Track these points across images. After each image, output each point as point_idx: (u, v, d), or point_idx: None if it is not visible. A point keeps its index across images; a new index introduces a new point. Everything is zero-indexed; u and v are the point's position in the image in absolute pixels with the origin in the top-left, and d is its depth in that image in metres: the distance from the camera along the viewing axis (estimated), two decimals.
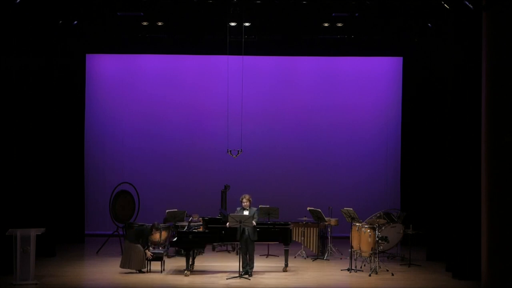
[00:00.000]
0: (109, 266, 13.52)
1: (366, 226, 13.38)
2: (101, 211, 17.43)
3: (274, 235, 13.08)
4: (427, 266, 13.79)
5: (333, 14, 15.10)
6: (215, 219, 13.44)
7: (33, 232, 11.61)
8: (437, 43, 14.37)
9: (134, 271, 12.71)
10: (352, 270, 12.99)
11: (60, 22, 14.89)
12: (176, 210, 14.83)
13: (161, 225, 14.19)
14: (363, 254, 13.31)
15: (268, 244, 14.68)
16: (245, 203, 12.57)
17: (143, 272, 12.70)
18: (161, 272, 12.80)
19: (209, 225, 13.19)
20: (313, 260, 14.42)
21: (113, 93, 18.07)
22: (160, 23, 15.89)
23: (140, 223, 14.83)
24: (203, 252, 14.64)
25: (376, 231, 12.93)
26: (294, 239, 14.48)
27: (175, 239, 12.84)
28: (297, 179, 17.89)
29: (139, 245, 12.69)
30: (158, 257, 12.88)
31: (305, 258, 14.61)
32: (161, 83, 18.14)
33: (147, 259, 12.76)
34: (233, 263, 13.37)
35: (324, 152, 18.02)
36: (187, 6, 14.44)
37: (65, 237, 16.01)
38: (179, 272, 12.88)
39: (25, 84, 13.51)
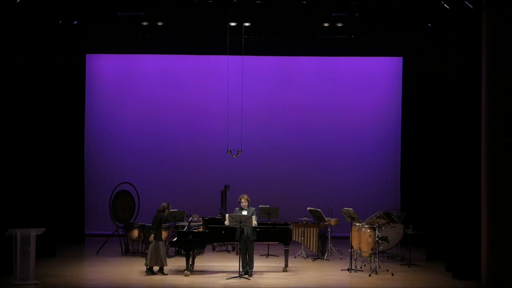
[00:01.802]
0: (109, 266, 13.53)
1: (366, 226, 13.38)
2: (101, 211, 17.44)
3: (274, 235, 13.08)
4: (427, 266, 13.79)
5: (333, 14, 15.10)
6: (215, 219, 13.46)
7: (33, 232, 11.61)
8: (437, 43, 14.36)
9: (156, 272, 12.67)
10: (352, 270, 12.99)
11: (60, 22, 14.89)
12: (176, 210, 14.83)
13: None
14: (363, 254, 13.30)
15: (268, 244, 14.68)
16: (244, 203, 12.57)
17: (159, 273, 12.63)
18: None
19: (209, 225, 13.20)
20: (313, 260, 14.43)
21: (113, 93, 18.08)
22: (160, 23, 15.89)
23: (141, 223, 14.87)
24: (203, 252, 14.67)
25: (376, 231, 12.93)
26: (294, 239, 14.49)
27: (175, 239, 12.83)
28: (297, 179, 17.89)
29: (159, 242, 12.64)
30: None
31: (305, 258, 14.61)
32: (161, 83, 18.14)
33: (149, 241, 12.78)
34: (233, 263, 13.37)
35: (324, 152, 18.02)
36: (187, 6, 14.44)
37: (65, 237, 16.01)
38: (179, 272, 12.87)
39: (25, 84, 13.50)
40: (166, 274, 12.57)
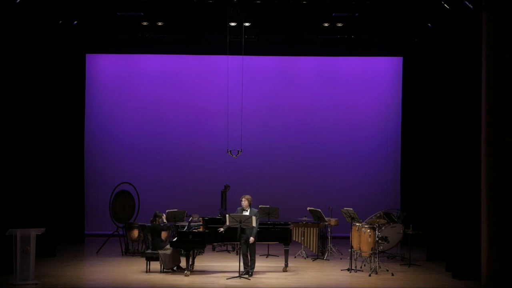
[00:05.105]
0: (109, 266, 13.53)
1: (366, 226, 13.38)
2: (101, 211, 17.44)
3: (274, 235, 13.09)
4: (427, 266, 13.79)
5: (333, 14, 15.10)
6: (215, 219, 13.46)
7: (33, 232, 11.61)
8: (437, 43, 14.37)
9: (175, 268, 12.86)
10: (352, 270, 12.99)
11: (60, 22, 14.89)
12: (176, 210, 14.82)
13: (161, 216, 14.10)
14: (363, 254, 13.30)
15: (268, 244, 14.67)
16: (243, 203, 12.54)
17: (181, 268, 12.78)
18: (161, 272, 12.79)
19: (209, 225, 13.21)
20: (313, 260, 14.43)
21: (113, 93, 18.08)
22: (160, 23, 15.89)
23: (141, 223, 14.88)
24: (203, 252, 14.66)
25: (376, 231, 12.93)
26: (294, 239, 14.48)
27: (175, 239, 12.83)
28: (297, 179, 17.88)
29: (167, 246, 12.76)
30: (158, 257, 12.87)
31: (305, 258, 14.61)
32: (161, 83, 18.14)
33: (165, 240, 13.02)
34: (233, 263, 13.37)
35: (324, 152, 18.02)
36: (187, 6, 14.44)
37: (65, 237, 16.01)
38: (179, 272, 12.87)
39: (25, 84, 13.50)
40: (184, 268, 12.63)
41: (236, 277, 12.23)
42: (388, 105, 17.99)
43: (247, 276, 12.36)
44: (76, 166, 16.99)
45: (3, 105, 12.76)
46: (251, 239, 12.34)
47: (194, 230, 12.94)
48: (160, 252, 12.74)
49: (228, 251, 15.54)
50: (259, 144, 17.85)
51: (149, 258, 12.89)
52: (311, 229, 14.72)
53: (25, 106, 13.53)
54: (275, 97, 18.11)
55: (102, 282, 12.18)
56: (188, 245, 12.61)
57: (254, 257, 12.60)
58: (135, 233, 14.79)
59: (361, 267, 13.28)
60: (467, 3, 12.10)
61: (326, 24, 15.80)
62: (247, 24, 15.26)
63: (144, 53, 17.80)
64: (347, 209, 13.30)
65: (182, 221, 14.66)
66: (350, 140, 18.02)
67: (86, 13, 14.88)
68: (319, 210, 14.45)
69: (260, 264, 13.54)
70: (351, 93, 18.05)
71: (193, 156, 18.01)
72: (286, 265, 13.15)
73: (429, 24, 14.71)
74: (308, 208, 14.77)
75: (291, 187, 17.79)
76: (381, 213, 14.41)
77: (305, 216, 14.94)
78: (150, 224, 13.32)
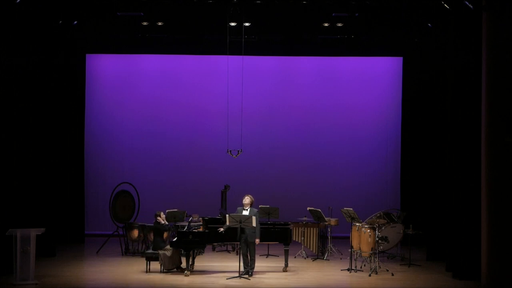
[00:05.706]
0: (109, 266, 13.53)
1: (366, 226, 13.38)
2: (101, 211, 17.44)
3: (274, 235, 13.09)
4: (427, 266, 13.80)
5: (333, 14, 15.11)
6: (215, 219, 13.46)
7: (33, 232, 11.61)
8: (437, 43, 14.37)
9: (175, 270, 12.83)
10: (352, 270, 12.99)
11: (60, 22, 14.89)
12: (176, 210, 14.83)
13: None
14: (363, 254, 13.30)
15: (268, 244, 14.67)
16: (245, 200, 12.53)
17: (181, 269, 12.73)
18: (161, 272, 12.79)
19: (209, 225, 13.21)
20: (313, 260, 14.43)
21: (113, 93, 18.08)
22: (160, 23, 15.89)
23: (141, 223, 14.89)
24: (203, 252, 14.67)
25: (376, 231, 12.93)
26: (294, 239, 14.49)
27: (175, 239, 12.83)
28: (297, 179, 17.89)
29: (167, 247, 12.76)
30: (158, 257, 12.87)
31: (305, 258, 14.61)
32: (161, 83, 18.15)
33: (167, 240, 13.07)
34: (233, 263, 13.37)
35: (324, 152, 18.03)
36: (187, 6, 14.45)
37: (65, 237, 16.01)
38: (179, 272, 12.87)
39: (25, 84, 13.50)
40: (184, 269, 12.60)
41: (236, 277, 12.23)
42: (388, 105, 17.99)
43: (247, 276, 12.37)
44: (76, 166, 16.99)
45: (3, 105, 12.76)
46: (257, 240, 12.37)
47: (194, 230, 12.94)
48: (160, 252, 12.74)
49: (228, 251, 15.54)
50: (259, 144, 17.85)
51: (149, 258, 12.89)
52: (311, 229, 14.72)
53: (25, 106, 13.52)
54: (275, 97, 18.11)
55: (102, 282, 12.18)
56: (188, 245, 12.61)
57: (254, 257, 12.60)
58: (135, 233, 14.80)
59: (361, 267, 13.28)
60: (467, 3, 12.11)
61: (326, 24, 15.81)
62: (247, 24, 15.26)
63: (144, 53, 17.81)
64: (347, 209, 13.30)
65: (182, 221, 14.67)
66: (350, 140, 18.03)
67: (86, 13, 14.89)
68: (319, 210, 14.45)
69: (260, 264, 13.54)
70: (351, 93, 18.05)
71: (193, 156, 18.01)
72: (286, 265, 13.15)
73: (429, 24, 14.70)
74: (308, 208, 14.77)
75: (291, 187, 17.80)
76: (381, 213, 14.41)
77: (305, 216, 14.94)
78: (152, 225, 13.30)
